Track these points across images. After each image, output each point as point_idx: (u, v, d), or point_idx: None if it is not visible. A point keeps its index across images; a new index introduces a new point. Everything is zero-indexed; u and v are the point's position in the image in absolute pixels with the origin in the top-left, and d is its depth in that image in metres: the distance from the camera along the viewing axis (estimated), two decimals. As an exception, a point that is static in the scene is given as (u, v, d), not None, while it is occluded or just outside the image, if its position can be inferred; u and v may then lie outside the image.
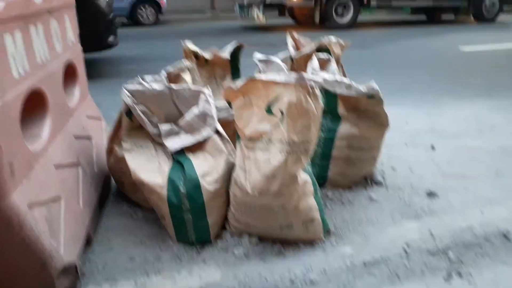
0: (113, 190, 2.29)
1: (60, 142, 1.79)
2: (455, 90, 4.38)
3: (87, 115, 2.27)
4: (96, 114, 2.47)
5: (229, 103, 1.81)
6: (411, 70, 5.63)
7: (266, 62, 2.57)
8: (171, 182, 1.77)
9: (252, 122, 1.72)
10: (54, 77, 1.85)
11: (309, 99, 1.58)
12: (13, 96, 1.39)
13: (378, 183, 2.31)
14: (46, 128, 1.68)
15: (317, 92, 1.63)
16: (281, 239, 1.78)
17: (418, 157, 2.69)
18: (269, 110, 1.66)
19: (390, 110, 2.19)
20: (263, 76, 1.68)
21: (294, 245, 1.78)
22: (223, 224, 1.89)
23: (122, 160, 1.97)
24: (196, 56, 2.71)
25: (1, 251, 1.32)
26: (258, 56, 2.61)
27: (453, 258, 1.74)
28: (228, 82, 2.79)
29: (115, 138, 2.04)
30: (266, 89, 1.66)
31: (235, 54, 2.83)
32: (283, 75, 1.64)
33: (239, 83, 1.73)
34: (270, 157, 1.63)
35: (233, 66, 2.85)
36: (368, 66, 5.94)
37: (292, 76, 1.61)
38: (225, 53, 2.79)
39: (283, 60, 2.60)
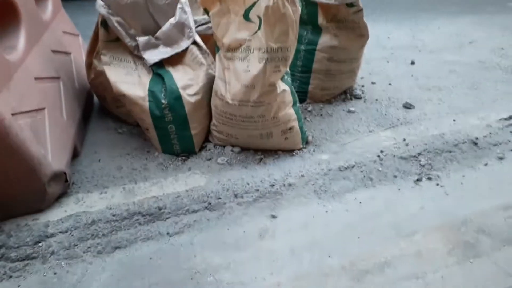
0: (96, 107, 2.30)
1: (37, 55, 1.76)
2: (439, 6, 4.30)
3: (63, 31, 2.21)
4: (72, 30, 2.39)
5: (207, 12, 1.76)
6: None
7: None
8: (151, 94, 1.79)
9: (230, 31, 1.70)
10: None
11: (286, 3, 1.56)
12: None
13: (357, 97, 2.36)
14: (21, 39, 1.65)
15: (295, -5, 1.60)
16: (261, 148, 1.86)
17: (397, 71, 2.72)
18: (246, 17, 1.64)
19: (373, 26, 2.19)
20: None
21: (274, 154, 1.87)
22: (206, 136, 1.95)
23: (102, 74, 1.95)
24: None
25: (-9, 158, 1.36)
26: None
27: (424, 163, 1.86)
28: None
29: (93, 52, 2.00)
30: (244, -6, 1.62)
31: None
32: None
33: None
34: (249, 66, 1.65)
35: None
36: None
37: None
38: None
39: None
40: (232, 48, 1.70)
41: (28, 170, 1.43)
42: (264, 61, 1.61)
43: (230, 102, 1.70)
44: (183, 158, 1.86)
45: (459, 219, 1.54)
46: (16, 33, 1.66)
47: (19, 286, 1.31)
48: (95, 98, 2.29)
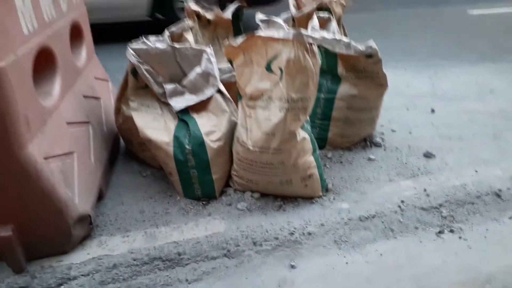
0: (122, 150, 2.38)
1: (70, 100, 1.86)
2: (459, 54, 4.35)
3: (94, 76, 2.33)
4: (103, 75, 2.52)
5: (231, 62, 1.85)
6: (415, 33, 5.57)
7: (268, 22, 2.57)
8: (176, 139, 1.85)
9: (253, 80, 1.77)
10: (61, 36, 1.90)
11: (307, 55, 1.63)
12: (25, 52, 1.45)
13: (377, 144, 2.38)
14: (56, 85, 1.75)
15: (315, 49, 1.67)
16: (281, 194, 1.88)
17: (417, 119, 2.74)
18: (268, 68, 1.71)
19: (392, 73, 2.23)
20: (262, 33, 1.71)
21: (294, 201, 1.88)
22: (227, 181, 1.98)
23: (130, 119, 2.04)
24: (198, 16, 2.72)
25: (21, 200, 1.42)
26: (260, 16, 2.61)
27: (445, 215, 1.83)
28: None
29: (122, 98, 2.10)
30: (266, 46, 1.70)
31: (237, 15, 2.83)
32: (282, 32, 1.68)
33: (239, 40, 1.76)
34: (270, 114, 1.70)
35: (235, 27, 2.86)
36: (372, 29, 5.87)
37: (290, 33, 1.65)
38: (227, 14, 2.80)
39: (284, 21, 2.60)
40: (254, 97, 1.76)
41: (56, 212, 1.48)
42: (284, 110, 1.66)
43: (251, 148, 1.74)
44: (204, 203, 1.88)
45: (483, 275, 1.50)
46: (52, 80, 1.77)
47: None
48: (121, 142, 2.36)
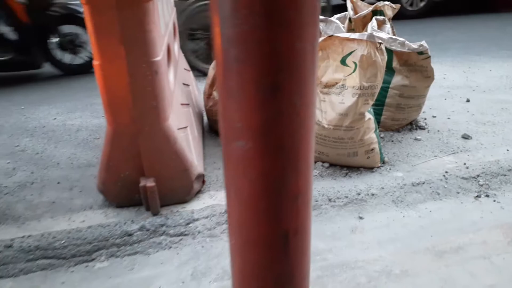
0: (206, 128, 2.85)
1: (178, 86, 2.33)
2: (490, 51, 4.68)
3: (184, 68, 2.80)
4: (188, 67, 2.99)
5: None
6: (450, 31, 5.89)
7: (325, 21, 2.99)
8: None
9: (328, 72, 2.20)
10: (171, 34, 2.36)
11: (377, 53, 2.05)
12: (164, 50, 1.92)
13: (421, 127, 2.78)
14: (171, 75, 2.22)
15: (383, 47, 2.09)
16: (347, 165, 2.31)
17: (454, 107, 3.13)
18: (343, 62, 2.14)
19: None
20: (339, 34, 2.14)
21: (357, 170, 2.31)
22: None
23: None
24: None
25: (162, 159, 1.90)
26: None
27: (482, 183, 2.23)
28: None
29: (213, 84, 2.56)
30: (342, 45, 2.13)
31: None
32: (357, 34, 2.10)
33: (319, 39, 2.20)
34: (344, 99, 2.13)
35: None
36: (409, 29, 6.20)
37: (364, 34, 2.07)
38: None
39: (338, 19, 3.01)
40: (329, 85, 2.19)
41: (184, 170, 1.96)
42: (357, 96, 2.09)
43: (326, 126, 2.18)
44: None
45: (515, 226, 1.91)
46: (169, 70, 2.24)
47: (177, 254, 1.79)
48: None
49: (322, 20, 2.99)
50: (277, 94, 0.49)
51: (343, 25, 2.93)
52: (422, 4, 6.83)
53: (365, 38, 2.04)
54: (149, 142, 1.86)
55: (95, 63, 1.71)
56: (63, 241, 1.82)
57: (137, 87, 1.76)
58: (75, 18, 3.90)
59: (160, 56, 1.78)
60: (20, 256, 1.75)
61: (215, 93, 2.56)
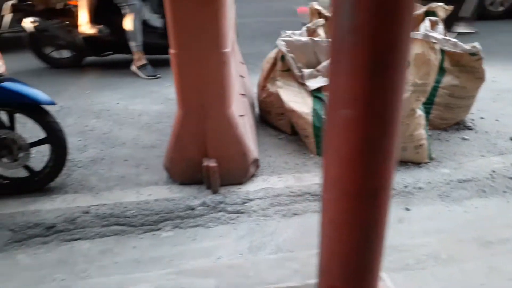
0: (257, 119, 3.01)
1: (236, 77, 2.49)
2: (543, 55, 4.59)
3: (240, 61, 2.97)
4: (242, 59, 3.16)
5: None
6: (499, 34, 5.78)
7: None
8: (315, 111, 2.43)
9: (381, 70, 2.30)
10: (230, 25, 2.53)
11: (430, 52, 2.13)
12: (231, 42, 2.08)
13: (468, 128, 2.83)
14: (233, 65, 2.38)
15: (437, 47, 2.17)
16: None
17: (504, 110, 3.13)
18: (397, 61, 2.23)
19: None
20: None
21: (405, 164, 2.40)
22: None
23: (273, 94, 2.65)
24: (320, 14, 3.27)
25: (224, 142, 2.07)
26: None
27: (529, 185, 2.27)
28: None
29: (268, 77, 2.72)
30: (396, 45, 2.22)
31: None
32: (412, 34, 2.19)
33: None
34: (396, 96, 2.22)
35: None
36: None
37: (419, 34, 2.16)
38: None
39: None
40: (382, 82, 2.29)
41: (242, 153, 2.12)
42: (409, 92, 2.18)
43: (377, 121, 2.28)
44: (333, 160, 2.46)
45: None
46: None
47: (235, 229, 1.96)
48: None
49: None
50: (383, 72, 0.63)
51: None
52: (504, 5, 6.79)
53: (420, 37, 2.13)
54: (215, 126, 2.04)
55: (172, 51, 1.89)
56: (133, 211, 2.03)
57: (208, 75, 1.94)
58: None
59: (229, 47, 1.94)
60: (96, 221, 1.97)
61: (269, 85, 2.71)
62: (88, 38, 4.09)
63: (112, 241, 1.88)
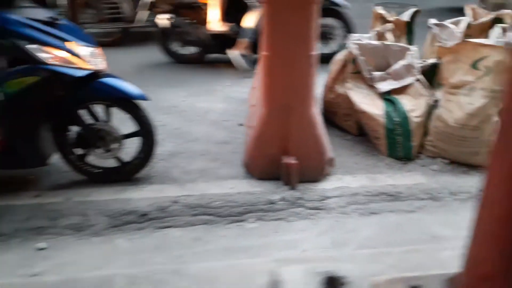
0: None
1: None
2: None
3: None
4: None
5: (439, 58, 2.43)
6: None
7: (440, 26, 3.10)
8: (387, 113, 2.48)
9: (457, 74, 2.34)
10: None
11: (510, 58, 2.16)
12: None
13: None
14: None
15: (516, 54, 2.19)
16: (467, 163, 2.43)
17: None
18: (474, 66, 2.26)
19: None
20: (473, 40, 2.27)
21: (476, 168, 2.43)
22: (420, 149, 2.58)
23: (341, 96, 2.72)
24: (383, 18, 3.32)
25: (304, 141, 2.16)
26: (432, 20, 3.15)
27: None
28: (404, 41, 3.38)
29: (336, 79, 2.79)
30: (474, 50, 2.26)
31: (413, 18, 3.39)
32: (490, 40, 2.22)
33: (449, 43, 2.34)
34: (472, 100, 2.26)
35: (409, 28, 3.42)
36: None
37: (500, 41, 2.19)
38: (405, 17, 3.36)
39: (453, 23, 3.10)
40: (457, 86, 2.33)
41: (321, 152, 2.21)
42: (487, 98, 2.21)
43: (452, 125, 2.32)
44: (403, 162, 2.51)
45: None
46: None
47: (315, 224, 2.04)
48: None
49: (437, 25, 3.11)
50: None
51: (459, 30, 3.03)
52: None
53: (502, 44, 2.16)
54: (297, 125, 2.13)
55: (264, 53, 2.00)
56: (218, 202, 2.14)
57: (295, 76, 2.04)
58: (333, 11, 4.20)
59: (315, 50, 2.03)
60: (185, 210, 2.10)
61: (337, 87, 2.78)
62: (215, 36, 4.27)
63: (202, 230, 2.00)
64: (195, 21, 4.29)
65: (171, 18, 4.23)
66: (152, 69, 4.52)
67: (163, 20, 4.24)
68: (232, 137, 2.84)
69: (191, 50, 4.55)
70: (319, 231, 1.99)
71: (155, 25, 4.32)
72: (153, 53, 4.71)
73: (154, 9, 4.45)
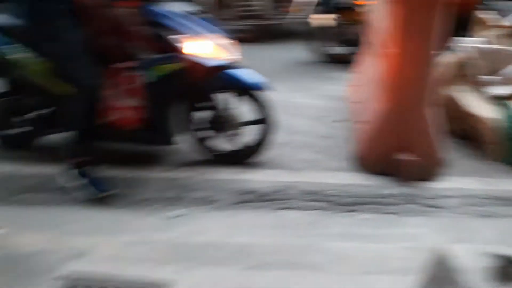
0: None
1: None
2: None
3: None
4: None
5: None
6: None
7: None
8: (510, 118, 2.44)
9: None
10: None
11: None
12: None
13: None
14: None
15: None
16: None
17: None
18: None
19: None
20: None
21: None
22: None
23: (446, 98, 2.71)
24: (485, 23, 3.26)
25: (419, 138, 2.19)
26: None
27: None
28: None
29: (443, 82, 2.78)
30: None
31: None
32: None
33: None
34: None
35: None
36: None
37: None
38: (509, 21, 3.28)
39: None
40: None
41: (434, 151, 2.24)
42: None
43: None
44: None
45: None
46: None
47: (431, 222, 2.04)
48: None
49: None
50: None
51: None
52: None
53: None
54: (414, 122, 2.18)
55: (391, 51, 2.07)
56: (332, 191, 2.23)
57: (417, 74, 2.09)
58: None
59: (433, 50, 2.07)
60: (301, 196, 2.21)
61: (443, 90, 2.77)
62: None
63: (317, 215, 2.10)
64: (353, 21, 4.37)
65: (337, 18, 4.39)
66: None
67: (328, 20, 4.39)
68: (331, 132, 2.92)
69: (340, 50, 4.63)
70: (437, 228, 2.01)
71: (306, 24, 4.48)
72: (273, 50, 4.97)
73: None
